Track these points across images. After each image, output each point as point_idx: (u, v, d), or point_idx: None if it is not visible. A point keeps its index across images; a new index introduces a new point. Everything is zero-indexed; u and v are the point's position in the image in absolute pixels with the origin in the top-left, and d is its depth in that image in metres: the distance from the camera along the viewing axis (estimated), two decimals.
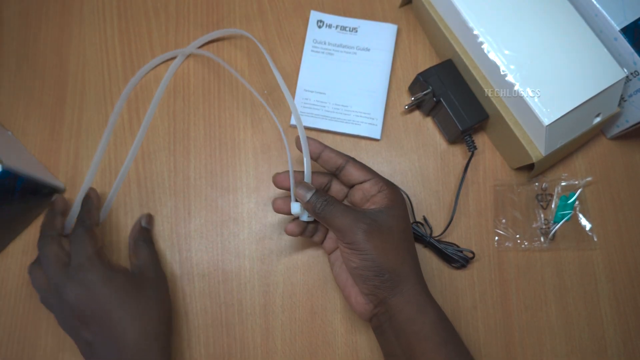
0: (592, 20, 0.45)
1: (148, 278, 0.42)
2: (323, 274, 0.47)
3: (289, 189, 0.41)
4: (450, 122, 0.47)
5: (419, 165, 0.50)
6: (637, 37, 0.43)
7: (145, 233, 0.46)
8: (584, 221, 0.48)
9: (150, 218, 0.47)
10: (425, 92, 0.48)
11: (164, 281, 0.44)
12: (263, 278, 0.47)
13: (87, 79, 0.51)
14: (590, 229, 0.48)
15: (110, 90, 0.51)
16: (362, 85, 0.50)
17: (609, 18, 0.44)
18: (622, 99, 0.46)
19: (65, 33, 0.53)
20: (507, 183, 0.49)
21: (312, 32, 0.52)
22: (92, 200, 0.45)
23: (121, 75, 0.51)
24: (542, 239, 0.48)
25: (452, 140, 0.49)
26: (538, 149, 0.44)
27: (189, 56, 0.52)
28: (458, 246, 0.47)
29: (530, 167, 0.46)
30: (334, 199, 0.39)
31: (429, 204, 0.49)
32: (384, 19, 0.53)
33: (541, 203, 0.49)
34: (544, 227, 0.48)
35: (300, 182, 0.41)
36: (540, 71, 0.42)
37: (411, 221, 0.47)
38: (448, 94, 0.47)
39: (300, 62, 0.51)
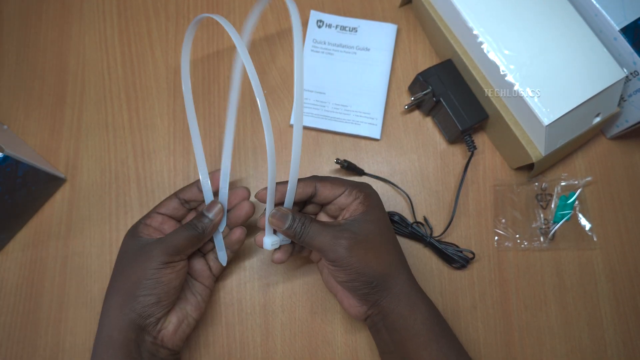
0: (592, 20, 0.45)
1: (153, 253, 0.38)
2: None
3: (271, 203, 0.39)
4: (450, 122, 0.47)
5: (419, 165, 0.50)
6: (637, 37, 0.43)
7: (199, 219, 0.41)
8: (583, 221, 0.48)
9: (218, 209, 0.41)
10: (425, 92, 0.48)
11: (173, 277, 0.39)
12: (263, 278, 0.47)
13: (87, 79, 0.51)
14: (590, 229, 0.48)
15: (110, 90, 0.51)
16: (362, 85, 0.50)
17: (608, 18, 0.44)
18: (621, 98, 0.46)
19: (65, 33, 0.53)
20: (507, 183, 0.49)
21: (312, 32, 0.52)
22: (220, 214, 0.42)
23: (121, 75, 0.51)
24: (541, 239, 0.48)
25: (452, 140, 0.49)
26: (538, 148, 0.44)
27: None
28: (458, 246, 0.47)
29: (530, 167, 0.46)
30: (310, 219, 0.38)
31: (429, 203, 0.49)
32: (383, 18, 0.53)
33: (541, 203, 0.49)
34: (543, 227, 0.48)
35: (274, 211, 0.39)
36: (540, 71, 0.42)
37: (411, 221, 0.47)
38: (448, 94, 0.47)
39: None
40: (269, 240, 0.39)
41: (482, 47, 0.44)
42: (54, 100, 0.51)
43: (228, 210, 0.43)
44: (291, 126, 0.50)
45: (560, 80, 0.42)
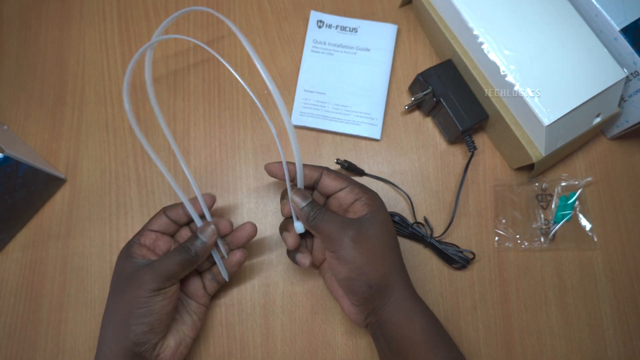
0: (592, 20, 0.45)
1: (143, 280, 0.37)
2: None
3: (282, 178, 0.41)
4: (450, 122, 0.47)
5: (419, 165, 0.50)
6: (637, 37, 0.43)
7: (192, 241, 0.40)
8: (584, 221, 0.48)
9: (210, 230, 0.41)
10: (425, 92, 0.47)
11: (168, 302, 0.39)
12: (263, 278, 0.47)
13: (87, 79, 0.51)
14: (590, 229, 0.48)
15: (110, 90, 0.51)
16: (362, 85, 0.50)
17: (609, 18, 0.44)
18: (622, 99, 0.46)
19: (65, 33, 0.53)
20: (507, 183, 0.49)
21: (312, 32, 0.52)
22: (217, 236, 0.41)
23: (121, 75, 0.51)
24: (542, 239, 0.48)
25: (452, 140, 0.49)
26: (538, 149, 0.44)
27: (189, 55, 0.52)
28: (458, 247, 0.47)
29: (530, 167, 0.46)
30: (325, 209, 0.39)
31: (429, 204, 0.49)
32: (384, 19, 0.53)
33: (541, 203, 0.48)
34: (544, 227, 0.48)
35: (297, 189, 0.40)
36: (541, 71, 0.42)
37: (412, 222, 0.47)
38: (448, 94, 0.47)
39: (300, 62, 0.51)
40: (300, 225, 0.41)
41: (482, 47, 0.44)
42: (54, 101, 0.51)
43: (231, 232, 0.43)
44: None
45: (561, 80, 0.42)
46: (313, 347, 0.45)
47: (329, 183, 0.41)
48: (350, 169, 0.48)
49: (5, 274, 0.46)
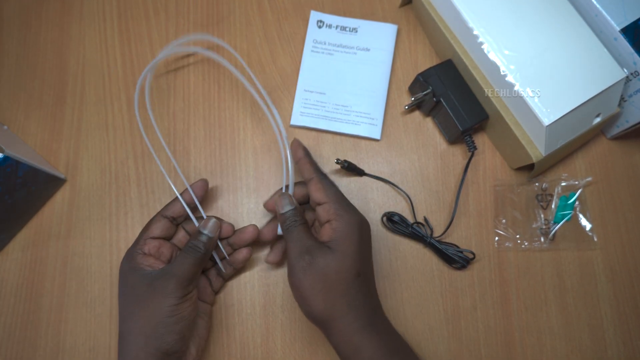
0: (592, 20, 0.45)
1: (168, 289, 0.37)
2: None
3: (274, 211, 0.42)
4: (450, 122, 0.47)
5: (419, 165, 0.50)
6: (637, 37, 0.43)
7: (197, 238, 0.40)
8: (584, 221, 0.48)
9: (213, 224, 0.41)
10: (425, 92, 0.47)
11: (191, 305, 0.39)
12: (263, 278, 0.47)
13: (87, 79, 0.51)
14: (590, 229, 0.48)
15: (110, 91, 0.51)
16: (362, 85, 0.50)
17: (609, 18, 0.44)
18: (622, 99, 0.46)
19: (65, 33, 0.53)
20: (507, 183, 0.49)
21: (312, 32, 0.52)
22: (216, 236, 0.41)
23: (121, 75, 0.51)
24: (542, 239, 0.48)
25: (452, 140, 0.49)
26: (538, 149, 0.44)
27: (189, 55, 0.52)
28: (458, 247, 0.47)
29: (530, 167, 0.46)
30: (303, 222, 0.39)
31: (429, 204, 0.49)
32: (384, 19, 0.53)
33: (541, 203, 0.48)
34: (544, 227, 0.48)
35: (285, 194, 0.41)
36: (541, 71, 0.42)
37: (412, 221, 0.47)
38: (448, 94, 0.47)
39: (300, 62, 0.51)
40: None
41: (482, 47, 0.44)
42: (54, 101, 0.51)
43: (234, 234, 0.44)
44: (292, 127, 0.50)
45: (561, 80, 0.42)
46: (313, 347, 0.45)
47: (312, 192, 0.40)
48: (350, 168, 0.48)
49: (5, 274, 0.46)
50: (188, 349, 0.39)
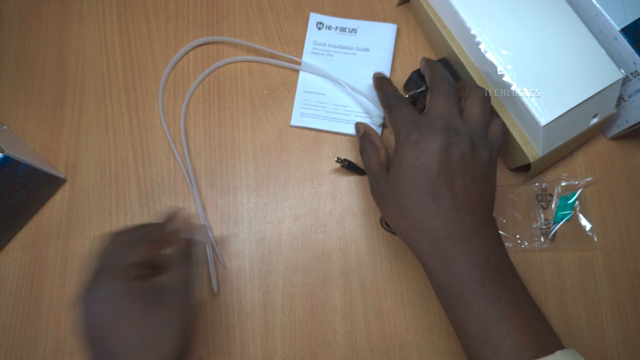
0: (592, 20, 0.45)
1: (171, 303, 0.35)
2: (323, 274, 0.47)
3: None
4: None
5: None
6: (637, 37, 0.43)
7: (188, 247, 0.38)
8: (584, 221, 0.48)
9: (198, 226, 0.39)
10: (419, 90, 0.47)
11: (190, 312, 0.36)
12: (263, 278, 0.47)
13: (87, 79, 0.51)
14: (591, 229, 0.48)
15: (110, 91, 0.51)
16: (362, 85, 0.50)
17: (609, 18, 0.44)
18: (622, 99, 0.46)
19: (65, 33, 0.53)
20: (506, 183, 0.49)
21: (312, 34, 0.52)
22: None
23: (121, 75, 0.51)
24: (542, 239, 0.48)
25: None
26: (535, 149, 0.44)
27: (189, 55, 0.52)
28: None
29: (527, 167, 0.46)
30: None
31: None
32: (383, 19, 0.53)
33: (541, 203, 0.48)
34: (544, 227, 0.48)
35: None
36: (538, 71, 0.42)
37: None
38: None
39: (300, 63, 0.51)
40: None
41: (479, 46, 0.44)
42: (54, 101, 0.51)
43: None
44: (292, 127, 0.50)
45: (558, 80, 0.42)
46: (313, 347, 0.45)
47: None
48: (350, 168, 0.48)
49: (5, 274, 0.46)
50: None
